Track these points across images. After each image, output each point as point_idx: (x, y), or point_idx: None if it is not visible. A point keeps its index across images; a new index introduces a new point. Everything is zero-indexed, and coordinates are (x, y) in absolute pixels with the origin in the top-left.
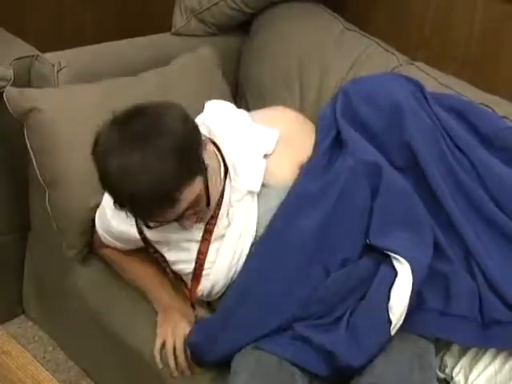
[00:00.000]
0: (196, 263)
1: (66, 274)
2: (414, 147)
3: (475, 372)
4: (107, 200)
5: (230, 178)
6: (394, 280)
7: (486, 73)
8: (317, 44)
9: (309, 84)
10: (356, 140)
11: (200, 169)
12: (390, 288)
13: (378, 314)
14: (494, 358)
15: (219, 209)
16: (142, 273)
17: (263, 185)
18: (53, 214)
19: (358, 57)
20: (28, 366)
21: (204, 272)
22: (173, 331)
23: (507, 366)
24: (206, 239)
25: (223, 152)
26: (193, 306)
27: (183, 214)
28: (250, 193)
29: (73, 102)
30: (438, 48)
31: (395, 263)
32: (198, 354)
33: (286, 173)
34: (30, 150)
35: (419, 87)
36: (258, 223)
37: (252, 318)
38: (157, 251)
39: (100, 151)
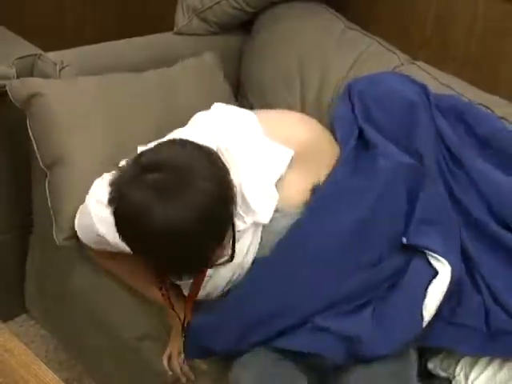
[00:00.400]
0: (191, 289)
1: (67, 274)
2: (421, 151)
3: (475, 371)
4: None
5: (235, 203)
6: (431, 278)
7: (486, 73)
8: (318, 43)
9: (309, 83)
10: (383, 141)
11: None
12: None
13: (414, 308)
14: (494, 358)
15: None
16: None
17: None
18: (51, 198)
19: (359, 56)
20: (31, 365)
21: None
22: (178, 343)
23: (507, 366)
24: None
25: (231, 172)
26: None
27: None
28: (256, 224)
29: (74, 87)
30: (439, 47)
31: (434, 262)
32: (201, 339)
33: (296, 197)
34: (32, 138)
35: (423, 88)
36: (260, 245)
37: (266, 311)
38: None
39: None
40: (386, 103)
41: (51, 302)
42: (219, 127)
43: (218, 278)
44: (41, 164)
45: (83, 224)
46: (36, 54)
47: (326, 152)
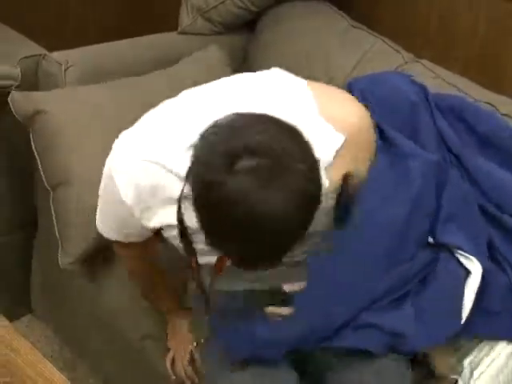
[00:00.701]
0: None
1: (72, 274)
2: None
3: (478, 371)
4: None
5: None
6: (465, 277)
7: (490, 72)
8: (322, 42)
9: None
10: (402, 138)
11: None
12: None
13: (455, 308)
14: (497, 357)
15: None
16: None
17: None
18: (57, 220)
19: (364, 54)
20: (37, 364)
21: None
22: (182, 346)
23: (510, 365)
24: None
25: None
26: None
27: None
28: None
29: (78, 104)
30: (441, 48)
31: (464, 260)
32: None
33: (331, 185)
34: (35, 152)
35: (423, 89)
36: None
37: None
38: (189, 241)
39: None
40: (389, 103)
41: (56, 302)
42: (270, 98)
43: None
44: (45, 183)
45: (105, 208)
46: (41, 54)
47: (372, 141)
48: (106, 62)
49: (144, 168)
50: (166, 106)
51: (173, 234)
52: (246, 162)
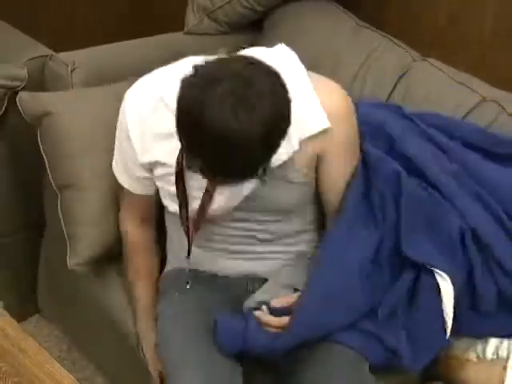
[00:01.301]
0: (198, 213)
1: (80, 274)
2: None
3: None
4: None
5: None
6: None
7: (500, 70)
8: (329, 42)
9: None
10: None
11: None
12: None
13: (437, 327)
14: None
15: None
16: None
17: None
18: (64, 222)
19: (371, 53)
20: (45, 364)
21: None
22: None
23: None
24: (207, 190)
25: None
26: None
27: None
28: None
29: (85, 107)
30: (450, 47)
31: (436, 276)
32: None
33: (304, 170)
34: (43, 153)
35: (400, 109)
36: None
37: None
38: (184, 188)
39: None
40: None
41: (64, 302)
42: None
43: (220, 195)
44: (53, 184)
45: (118, 147)
46: (47, 55)
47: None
48: (113, 62)
49: (149, 103)
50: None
51: (161, 173)
52: (224, 83)
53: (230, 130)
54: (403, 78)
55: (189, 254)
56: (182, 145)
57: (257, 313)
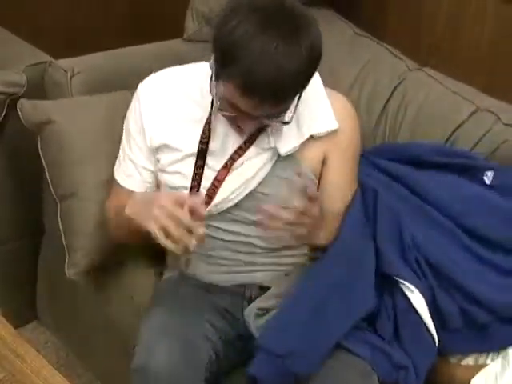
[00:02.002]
0: (209, 189)
1: (78, 282)
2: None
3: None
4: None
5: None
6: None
7: (498, 76)
8: (326, 50)
9: None
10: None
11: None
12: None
13: (426, 341)
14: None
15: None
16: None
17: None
18: (63, 229)
19: (367, 63)
20: (42, 371)
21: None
22: (161, 204)
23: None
24: (226, 166)
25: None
26: None
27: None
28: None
29: (86, 115)
30: (449, 51)
31: (406, 291)
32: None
33: (314, 166)
34: (43, 161)
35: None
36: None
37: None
38: (202, 170)
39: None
40: None
41: (62, 309)
42: None
43: (228, 185)
44: (53, 193)
45: (125, 135)
46: (47, 62)
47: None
48: (113, 69)
49: (166, 90)
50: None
51: (168, 160)
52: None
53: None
54: (399, 88)
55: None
56: (222, 64)
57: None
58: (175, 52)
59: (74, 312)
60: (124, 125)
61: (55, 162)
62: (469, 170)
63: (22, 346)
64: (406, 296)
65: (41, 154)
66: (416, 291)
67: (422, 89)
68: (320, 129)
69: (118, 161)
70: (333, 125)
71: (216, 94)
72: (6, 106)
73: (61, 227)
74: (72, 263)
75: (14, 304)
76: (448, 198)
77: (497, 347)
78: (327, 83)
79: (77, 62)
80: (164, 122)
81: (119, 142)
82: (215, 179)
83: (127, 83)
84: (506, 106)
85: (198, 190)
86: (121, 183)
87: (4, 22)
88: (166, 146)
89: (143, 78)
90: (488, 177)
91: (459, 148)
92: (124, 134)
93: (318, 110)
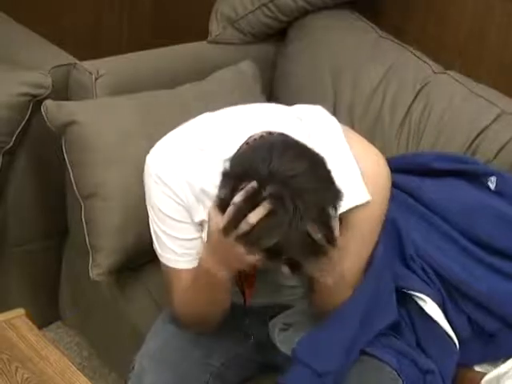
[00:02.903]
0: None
1: (102, 283)
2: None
3: None
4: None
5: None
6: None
7: None
8: (351, 54)
9: (342, 96)
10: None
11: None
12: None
13: (445, 341)
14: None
15: None
16: None
17: None
18: (87, 231)
19: (391, 66)
20: (66, 371)
21: None
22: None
23: None
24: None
25: None
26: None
27: None
28: None
29: (111, 116)
30: (473, 57)
31: (418, 301)
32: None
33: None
34: (67, 162)
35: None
36: None
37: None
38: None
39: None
40: None
41: (85, 310)
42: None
43: None
44: (77, 194)
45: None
46: (72, 63)
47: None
48: (137, 71)
49: (188, 166)
50: (200, 119)
51: None
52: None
53: None
54: (423, 91)
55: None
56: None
57: None
58: (200, 54)
59: (98, 312)
60: (152, 207)
61: (79, 162)
62: (473, 175)
63: (46, 346)
64: (418, 305)
65: (65, 154)
66: (428, 299)
67: (446, 92)
68: (350, 203)
69: (162, 253)
70: (365, 196)
71: None
72: (30, 107)
73: (85, 227)
74: (95, 264)
75: (38, 305)
76: (451, 204)
77: (507, 355)
78: (349, 88)
79: (101, 63)
80: (198, 198)
81: (143, 143)
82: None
83: (152, 85)
84: None
85: None
86: (175, 266)
87: (29, 23)
88: (204, 221)
89: (168, 81)
90: (492, 182)
91: (460, 154)
92: (155, 215)
93: (347, 182)
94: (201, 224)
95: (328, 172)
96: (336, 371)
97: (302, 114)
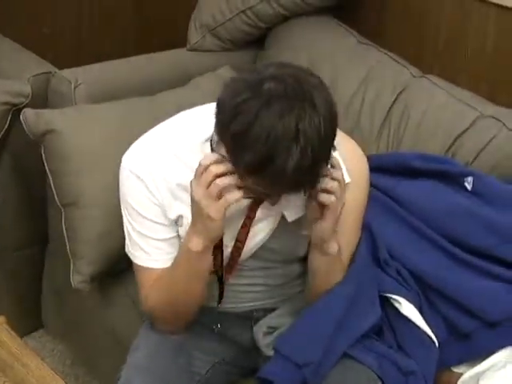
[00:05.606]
0: (232, 253)
1: (83, 291)
2: None
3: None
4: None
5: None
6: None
7: (502, 85)
8: (330, 58)
9: None
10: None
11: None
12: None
13: (424, 341)
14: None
15: None
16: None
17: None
18: (68, 237)
19: (370, 70)
20: (47, 379)
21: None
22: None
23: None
24: (245, 225)
25: None
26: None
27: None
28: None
29: (90, 124)
30: (451, 61)
31: (394, 303)
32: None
33: None
34: (47, 170)
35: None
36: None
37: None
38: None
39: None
40: None
41: (67, 317)
42: None
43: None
44: (57, 202)
45: (135, 221)
46: (51, 72)
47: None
48: (116, 79)
49: (157, 160)
50: (174, 118)
51: (186, 224)
52: (270, 85)
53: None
54: (402, 95)
55: (220, 299)
56: (246, 163)
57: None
58: (179, 61)
59: (80, 320)
60: (125, 206)
61: (59, 170)
62: (450, 175)
63: (27, 354)
64: (395, 307)
65: (45, 162)
66: (403, 301)
67: (425, 96)
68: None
69: (132, 250)
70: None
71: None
72: (10, 116)
73: (65, 236)
74: (77, 271)
75: (20, 312)
76: (427, 204)
77: (484, 354)
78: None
79: (81, 72)
80: (170, 193)
81: (123, 150)
82: (237, 240)
83: (131, 93)
84: (509, 112)
85: (221, 253)
86: (145, 265)
87: (9, 32)
88: (181, 216)
89: (147, 88)
90: (469, 182)
91: (438, 154)
92: (127, 215)
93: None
94: (176, 220)
95: None
96: (316, 363)
97: None
